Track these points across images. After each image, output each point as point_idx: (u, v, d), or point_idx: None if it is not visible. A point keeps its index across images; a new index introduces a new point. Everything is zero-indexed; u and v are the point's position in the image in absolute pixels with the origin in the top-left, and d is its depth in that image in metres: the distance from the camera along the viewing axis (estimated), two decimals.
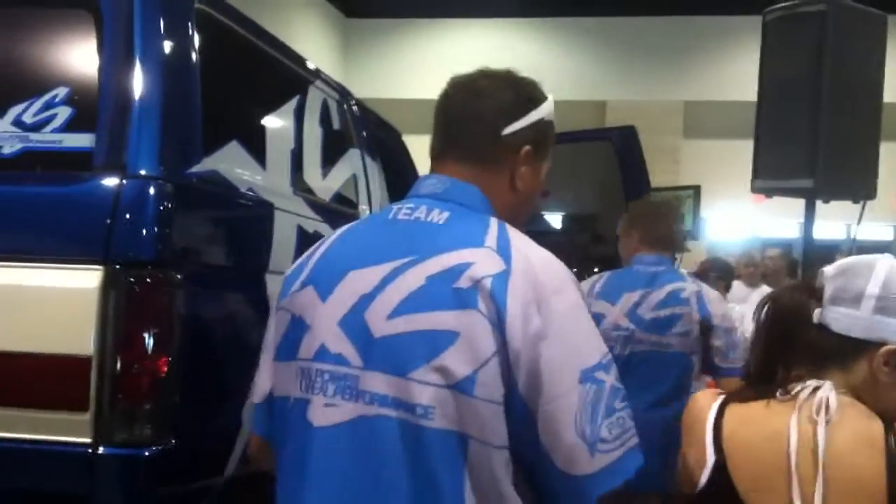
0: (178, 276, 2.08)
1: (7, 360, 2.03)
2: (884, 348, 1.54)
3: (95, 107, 2.14)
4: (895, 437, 1.48)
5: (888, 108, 4.09)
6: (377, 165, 3.80)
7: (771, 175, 3.95)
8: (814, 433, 1.49)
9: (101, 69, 2.18)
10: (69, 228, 2.08)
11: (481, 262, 1.35)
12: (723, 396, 1.63)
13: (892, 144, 5.64)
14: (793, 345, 1.62)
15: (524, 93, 1.54)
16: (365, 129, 3.80)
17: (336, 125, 3.44)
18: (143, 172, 2.07)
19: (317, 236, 2.84)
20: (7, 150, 2.14)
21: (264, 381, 1.56)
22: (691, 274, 3.90)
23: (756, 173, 4.01)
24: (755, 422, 1.55)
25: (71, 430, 2.00)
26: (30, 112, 2.16)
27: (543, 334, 1.31)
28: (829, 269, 1.62)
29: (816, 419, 1.49)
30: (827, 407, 1.50)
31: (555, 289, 1.35)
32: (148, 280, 2.03)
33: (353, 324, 1.38)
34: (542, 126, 1.55)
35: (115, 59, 2.17)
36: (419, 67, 13.09)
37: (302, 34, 11.64)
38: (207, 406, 2.25)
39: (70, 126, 2.14)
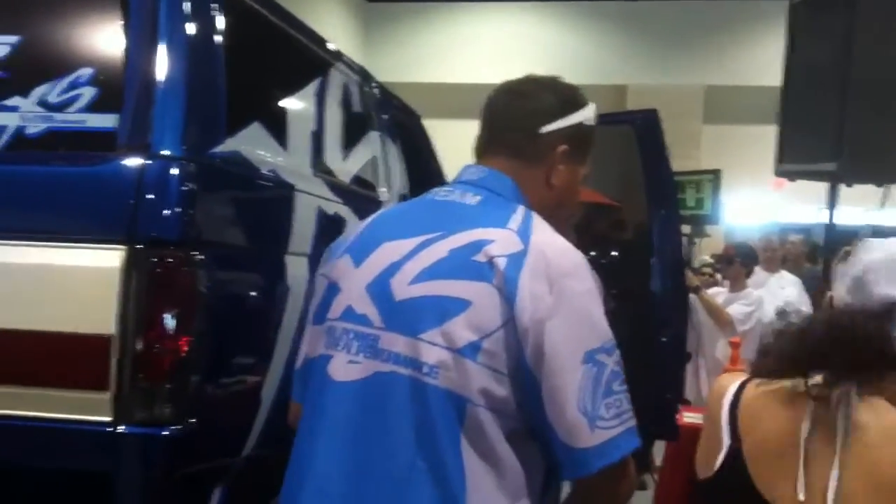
0: (201, 257, 2.08)
1: (29, 338, 2.05)
2: None
3: (120, 87, 2.14)
4: None
5: None
6: (397, 148, 3.80)
7: (795, 159, 3.93)
8: (833, 425, 1.47)
9: (125, 50, 2.18)
10: (92, 208, 2.08)
11: (501, 240, 1.45)
12: (742, 379, 1.62)
13: None
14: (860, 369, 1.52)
15: (564, 96, 1.64)
16: (385, 112, 3.79)
17: (357, 108, 3.44)
18: (166, 153, 2.08)
19: (336, 218, 2.85)
20: (32, 130, 2.15)
21: (303, 347, 1.64)
22: (714, 257, 3.87)
23: (780, 157, 3.99)
24: (773, 408, 1.54)
25: (92, 409, 2.01)
26: (54, 92, 2.16)
27: (553, 314, 1.39)
28: None
29: (836, 412, 1.47)
30: (847, 400, 1.48)
31: (568, 273, 1.44)
32: (170, 260, 2.04)
33: (379, 288, 1.48)
34: (581, 129, 1.64)
35: (139, 40, 2.17)
36: (439, 52, 13.07)
37: (324, 18, 11.64)
38: (227, 386, 2.26)
39: (94, 106, 2.15)
